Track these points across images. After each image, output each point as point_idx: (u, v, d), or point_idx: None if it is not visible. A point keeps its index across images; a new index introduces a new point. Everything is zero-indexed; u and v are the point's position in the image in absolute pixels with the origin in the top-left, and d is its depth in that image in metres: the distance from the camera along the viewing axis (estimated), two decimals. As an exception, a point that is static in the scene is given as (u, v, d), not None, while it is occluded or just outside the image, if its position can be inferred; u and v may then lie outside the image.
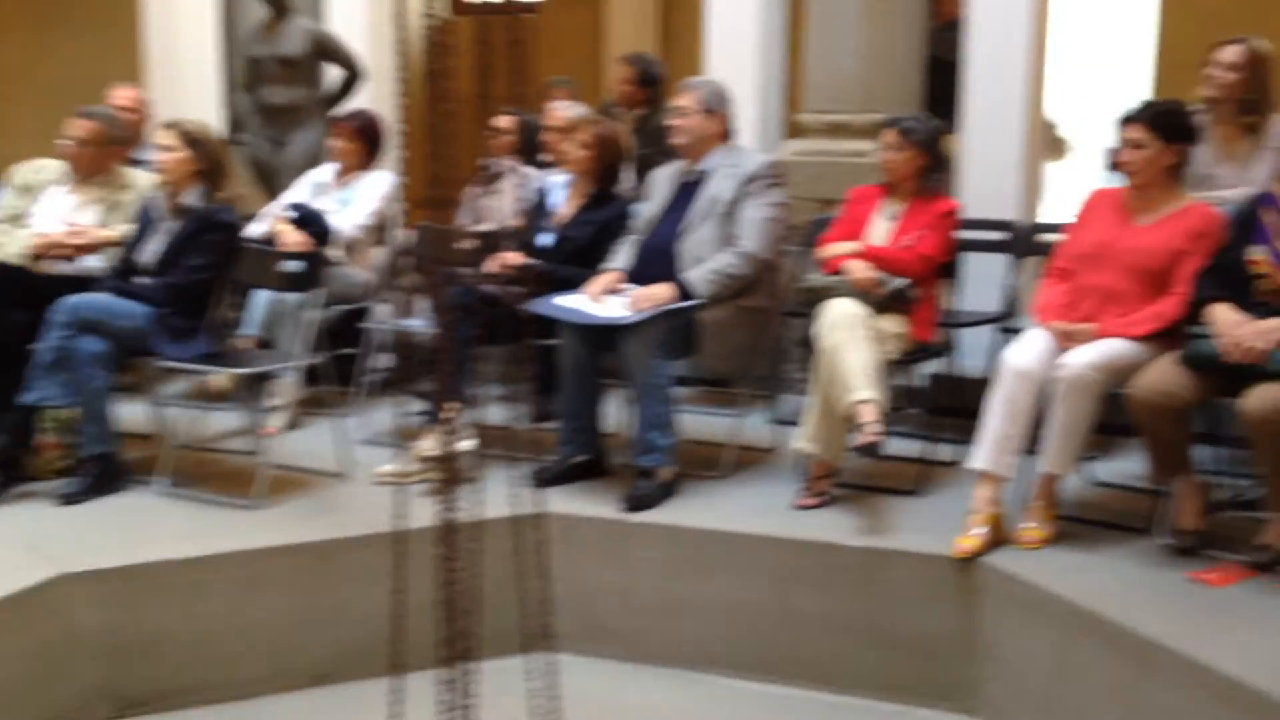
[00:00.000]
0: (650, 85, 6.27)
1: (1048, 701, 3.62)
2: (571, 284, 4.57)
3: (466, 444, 2.89)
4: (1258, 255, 3.69)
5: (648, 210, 4.74)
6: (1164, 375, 3.69)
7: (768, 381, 5.06)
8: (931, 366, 4.90)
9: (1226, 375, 3.63)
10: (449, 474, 2.34)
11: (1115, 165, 4.15)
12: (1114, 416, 4.17)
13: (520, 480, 2.56)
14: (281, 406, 5.15)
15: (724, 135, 4.66)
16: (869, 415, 4.00)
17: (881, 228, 4.54)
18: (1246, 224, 3.81)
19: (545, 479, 4.35)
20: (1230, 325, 3.61)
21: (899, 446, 4.52)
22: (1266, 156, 4.49)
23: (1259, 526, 3.74)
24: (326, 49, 6.85)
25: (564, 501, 4.31)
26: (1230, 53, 4.56)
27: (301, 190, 5.72)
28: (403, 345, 4.94)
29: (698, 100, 4.60)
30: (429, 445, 4.38)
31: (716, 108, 4.62)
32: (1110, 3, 8.78)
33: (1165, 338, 3.85)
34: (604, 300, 4.44)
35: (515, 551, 2.54)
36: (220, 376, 5.10)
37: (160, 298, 4.45)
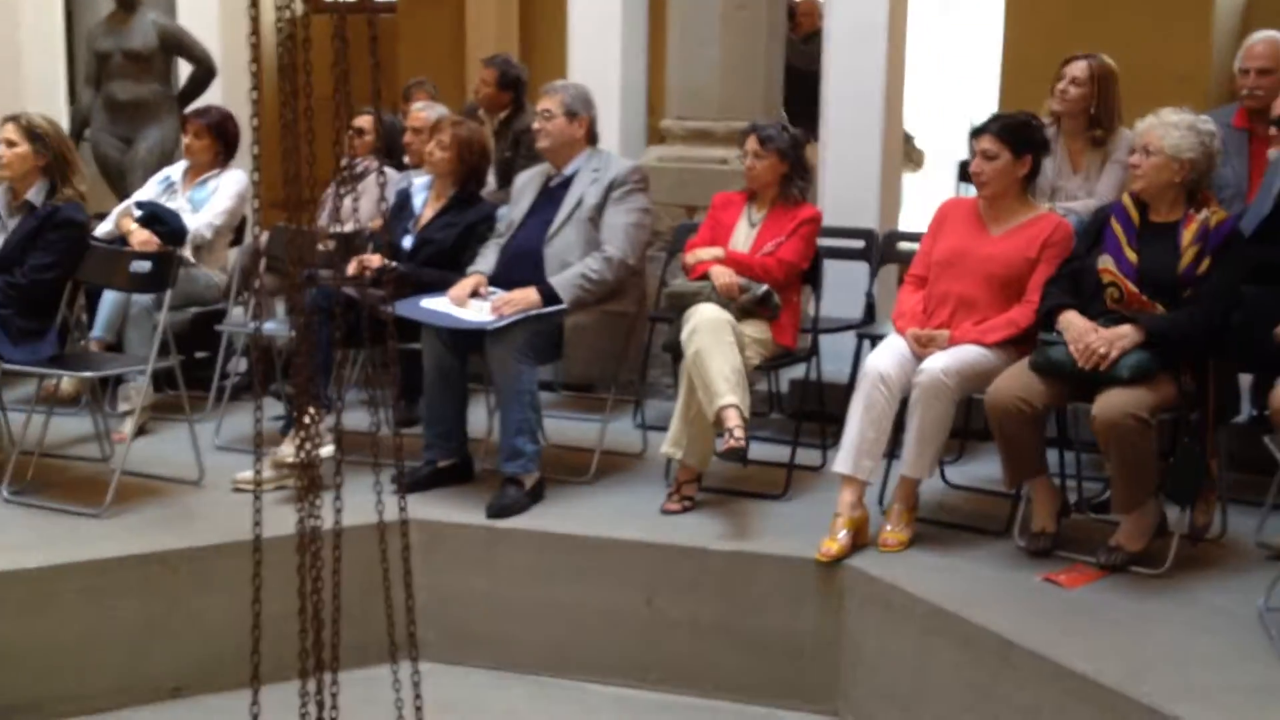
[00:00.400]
0: (512, 87, 6.23)
1: (910, 701, 3.68)
2: (434, 287, 4.51)
3: (326, 450, 2.82)
4: (1106, 264, 3.81)
5: (512, 213, 4.70)
6: (1018, 381, 3.79)
7: (634, 386, 5.06)
8: (794, 372, 4.96)
9: (1077, 381, 3.74)
10: (308, 480, 2.27)
11: (968, 175, 4.26)
12: (970, 421, 4.28)
13: (383, 486, 2.49)
14: (132, 412, 4.97)
15: (588, 139, 4.65)
16: (734, 420, 4.02)
17: (744, 234, 4.57)
18: (1095, 234, 3.94)
19: (409, 485, 4.25)
20: (1080, 332, 3.72)
21: (763, 451, 4.56)
22: (1112, 169, 4.65)
23: (1109, 528, 3.86)
24: (177, 43, 6.65)
25: (428, 508, 4.25)
26: (1077, 68, 4.71)
27: (151, 189, 5.54)
28: (259, 348, 4.81)
29: (561, 104, 4.58)
30: (287, 451, 4.27)
31: (580, 111, 4.61)
32: (959, 19, 9.04)
33: (1019, 344, 3.95)
34: (468, 304, 4.39)
35: (378, 559, 2.47)
36: (67, 380, 4.91)
37: (2, 298, 4.25)
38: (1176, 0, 7.26)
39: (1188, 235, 3.75)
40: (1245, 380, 4.35)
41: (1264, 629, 3.35)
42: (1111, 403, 3.60)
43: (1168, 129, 3.77)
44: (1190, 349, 3.69)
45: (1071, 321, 3.75)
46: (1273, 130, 4.24)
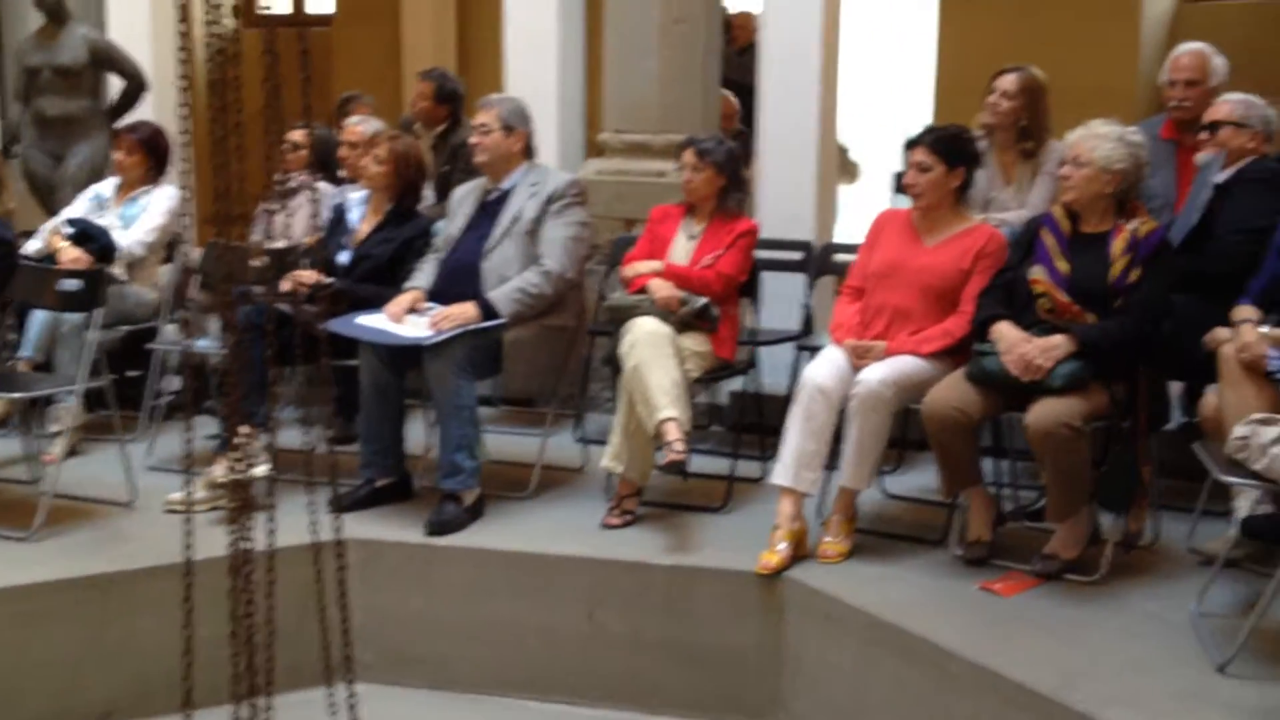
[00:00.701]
0: (449, 101, 6.21)
1: (850, 712, 3.69)
2: (371, 303, 4.47)
3: (260, 469, 2.79)
4: (1038, 275, 3.86)
5: (449, 228, 4.67)
6: (953, 391, 3.82)
7: (573, 401, 5.05)
8: (734, 384, 4.97)
9: (1011, 390, 3.78)
10: (242, 501, 2.25)
11: (902, 187, 4.30)
12: (908, 431, 4.32)
13: (318, 505, 2.46)
14: (62, 432, 4.88)
15: (526, 153, 4.64)
16: (674, 433, 4.02)
17: (683, 247, 4.58)
18: (1027, 245, 3.98)
19: (345, 504, 4.22)
20: (1012, 343, 3.76)
21: (704, 464, 4.56)
22: (1043, 180, 4.72)
23: (1044, 536, 3.90)
24: (107, 58, 6.56)
25: (366, 526, 4.21)
26: (1007, 81, 4.77)
27: (82, 205, 5.45)
28: (191, 367, 4.74)
29: (498, 118, 4.57)
30: (221, 471, 4.22)
31: (517, 125, 4.60)
32: (893, 31, 9.13)
33: (954, 354, 3.99)
34: (405, 320, 4.36)
35: (314, 580, 2.45)
36: (-6, 401, 4.82)
37: (-75, 318, 4.17)
38: (1104, 15, 7.38)
39: (1118, 245, 3.81)
40: (1175, 388, 4.43)
41: (1196, 634, 3.39)
42: (1045, 412, 3.64)
43: (1098, 141, 3.83)
44: (1121, 358, 3.75)
45: (1004, 332, 3.79)
46: (1203, 135, 4.33)
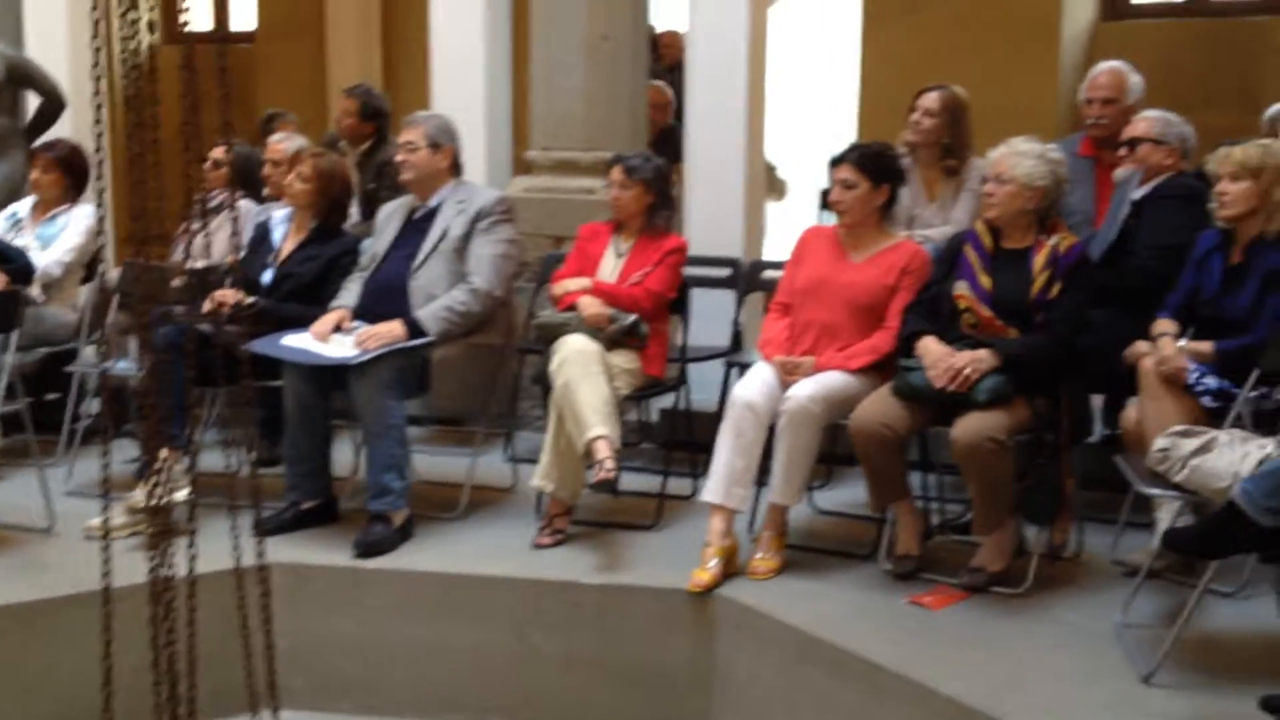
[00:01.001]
0: (375, 118, 6.16)
1: (782, 728, 3.69)
2: (296, 322, 4.42)
3: (181, 494, 2.73)
4: (962, 290, 3.91)
5: (375, 246, 4.63)
6: (880, 406, 3.85)
7: (503, 419, 5.02)
8: (664, 401, 4.97)
9: (937, 405, 3.82)
10: (163, 526, 2.20)
11: (828, 204, 4.34)
12: (837, 446, 4.34)
13: (242, 529, 2.42)
14: (-24, 458, 4.76)
15: (453, 170, 4.62)
16: (604, 451, 4.01)
17: (611, 264, 4.58)
18: (951, 261, 4.03)
19: (270, 527, 4.16)
20: (937, 357, 3.80)
21: (635, 482, 4.55)
22: (966, 197, 4.78)
23: (971, 549, 3.94)
24: (24, 75, 6.41)
25: (292, 550, 4.15)
26: (930, 99, 4.84)
27: (-3, 225, 5.34)
28: (110, 389, 4.65)
29: (425, 135, 4.54)
30: (141, 496, 4.13)
31: (444, 142, 4.57)
32: (818, 50, 9.22)
33: (881, 370, 4.02)
34: (331, 339, 4.31)
35: (238, 606, 2.40)
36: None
37: None
38: (1023, 35, 7.50)
39: (1039, 261, 3.87)
40: (1097, 401, 4.49)
41: (1121, 645, 3.44)
42: (970, 426, 3.68)
43: (1020, 158, 3.89)
44: (1044, 372, 3.80)
45: (929, 347, 3.83)
46: (1122, 151, 4.41)
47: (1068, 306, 3.84)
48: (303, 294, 4.62)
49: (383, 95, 6.42)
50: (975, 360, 3.74)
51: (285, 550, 4.08)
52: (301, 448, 4.39)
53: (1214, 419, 3.62)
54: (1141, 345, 3.89)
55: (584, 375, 4.12)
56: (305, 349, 4.27)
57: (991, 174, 3.94)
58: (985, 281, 3.90)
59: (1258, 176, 3.75)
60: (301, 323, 4.40)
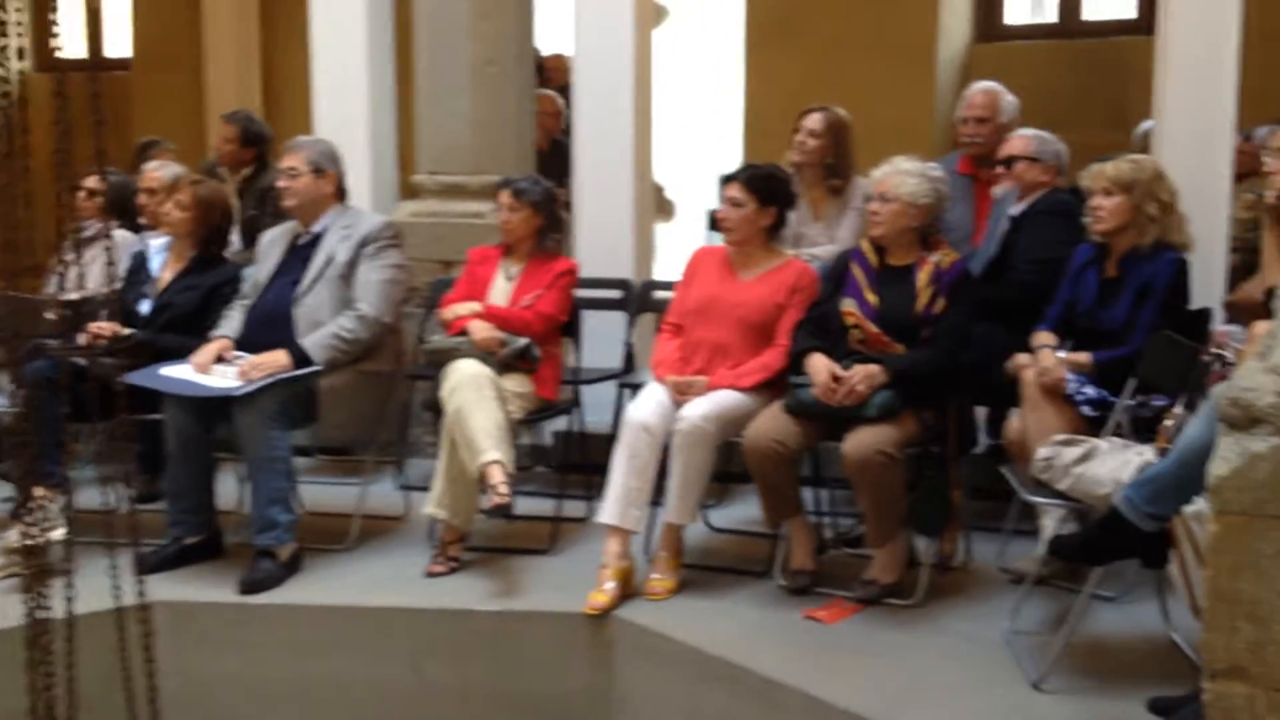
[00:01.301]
0: (255, 143, 6.05)
1: (682, 749, 3.68)
2: (175, 354, 4.32)
3: (57, 532, 2.63)
4: (849, 307, 3.96)
5: (257, 274, 4.54)
6: (772, 423, 3.88)
7: (394, 447, 4.94)
8: (558, 424, 4.94)
9: (828, 421, 3.86)
10: (39, 566, 2.12)
11: (717, 224, 4.37)
12: (731, 464, 4.35)
13: (122, 568, 2.34)
14: None
15: (337, 196, 4.55)
16: (498, 476, 3.97)
17: (502, 288, 4.55)
18: (838, 278, 4.08)
19: (151, 565, 4.04)
20: (821, 372, 3.83)
21: (529, 506, 4.52)
22: (851, 216, 4.85)
23: (864, 563, 3.98)
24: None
25: (175, 587, 4.04)
26: (813, 120, 4.90)
27: None
28: (-19, 427, 4.47)
29: (307, 160, 4.47)
30: (15, 536, 3.98)
31: (328, 167, 4.50)
32: (703, 72, 9.31)
33: (773, 387, 4.05)
34: (212, 370, 4.21)
35: (119, 647, 2.32)
36: None
37: None
38: (901, 57, 7.67)
39: (923, 277, 3.94)
40: (982, 413, 4.58)
41: (1011, 652, 3.50)
42: (860, 441, 3.72)
43: (903, 177, 3.96)
44: (930, 386, 3.86)
45: (818, 364, 3.87)
46: (1000, 169, 4.52)
47: (952, 321, 3.91)
48: (182, 324, 4.51)
49: (262, 121, 6.31)
50: (865, 376, 3.78)
51: (168, 588, 3.97)
52: (183, 482, 4.27)
53: (1093, 428, 3.72)
54: (1022, 357, 3.98)
55: (476, 400, 4.08)
56: (186, 380, 4.16)
57: (876, 193, 4.00)
58: (871, 298, 3.96)
59: (1130, 191, 3.87)
60: (181, 354, 4.30)
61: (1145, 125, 5.05)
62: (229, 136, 6.05)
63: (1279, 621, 2.05)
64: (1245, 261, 4.54)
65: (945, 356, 3.87)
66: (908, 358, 3.85)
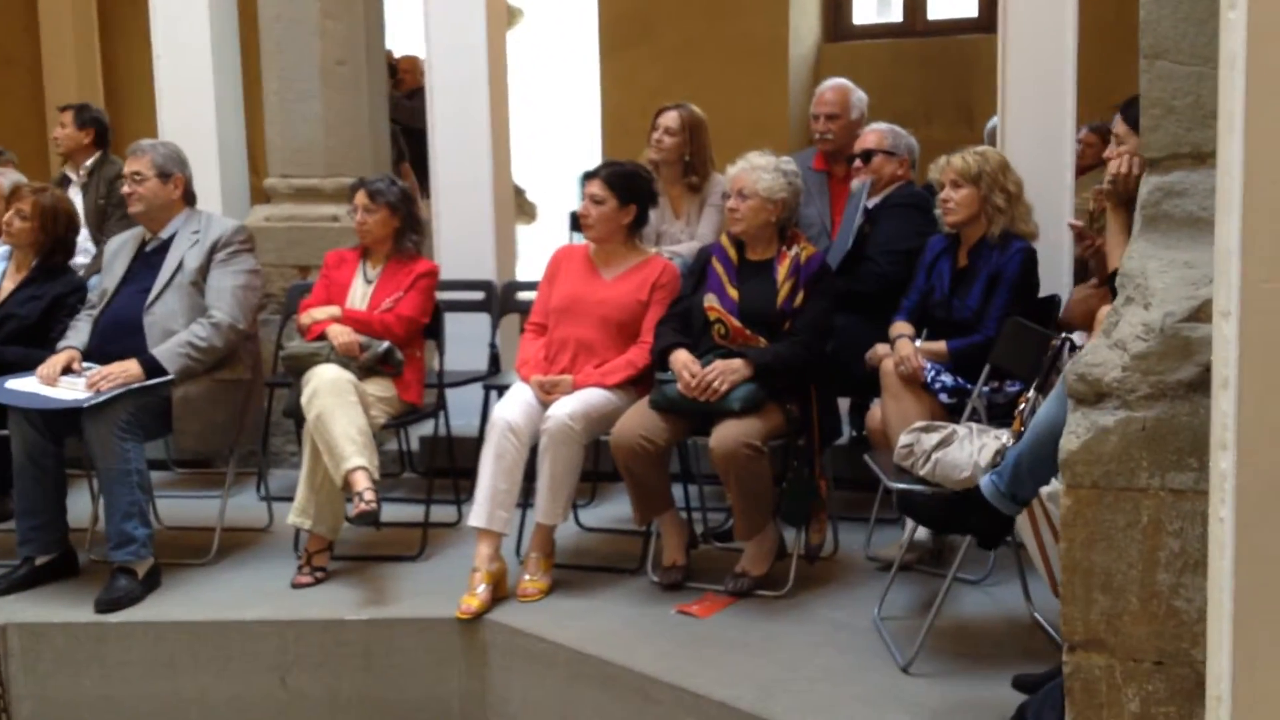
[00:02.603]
0: (93, 126, 5.88)
1: (559, 749, 3.67)
2: (20, 366, 4.17)
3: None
4: (711, 303, 3.99)
5: (104, 282, 4.38)
6: (639, 420, 3.89)
7: (254, 457, 4.83)
8: (424, 428, 4.88)
9: (694, 416, 3.89)
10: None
11: (579, 225, 4.36)
12: (600, 463, 4.36)
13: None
14: None
15: (185, 200, 4.41)
16: (363, 483, 3.91)
17: (361, 291, 4.47)
18: (699, 274, 4.11)
19: (3, 587, 3.91)
20: (691, 368, 3.86)
21: (397, 512, 4.46)
22: (710, 212, 4.89)
23: (734, 556, 4.02)
24: None
25: (27, 609, 3.89)
26: (669, 118, 4.93)
27: None
28: None
29: (152, 164, 4.33)
30: None
31: (174, 170, 4.37)
32: (559, 73, 9.31)
33: (638, 384, 4.06)
34: (60, 382, 4.05)
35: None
36: None
37: None
38: (754, 56, 7.78)
39: (782, 271, 3.99)
40: (845, 404, 4.66)
41: (880, 637, 3.57)
42: (726, 434, 3.76)
43: (759, 173, 4.00)
44: (793, 378, 3.91)
45: (681, 359, 3.89)
46: (856, 164, 4.61)
47: (812, 314, 3.97)
48: (27, 336, 4.38)
49: (100, 109, 6.13)
50: (728, 370, 3.82)
51: (21, 609, 3.84)
52: (33, 499, 4.10)
53: (952, 414, 3.81)
54: (881, 347, 4.07)
55: (337, 405, 4.00)
56: (32, 393, 4.01)
57: (733, 189, 4.04)
58: (733, 293, 4.00)
59: (977, 183, 3.98)
60: (26, 366, 4.15)
61: (993, 122, 5.20)
62: (65, 122, 5.88)
63: (1133, 592, 2.12)
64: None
65: (806, 349, 3.92)
66: (769, 351, 3.90)
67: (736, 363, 3.84)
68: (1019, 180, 4.06)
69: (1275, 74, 1.57)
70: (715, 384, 3.80)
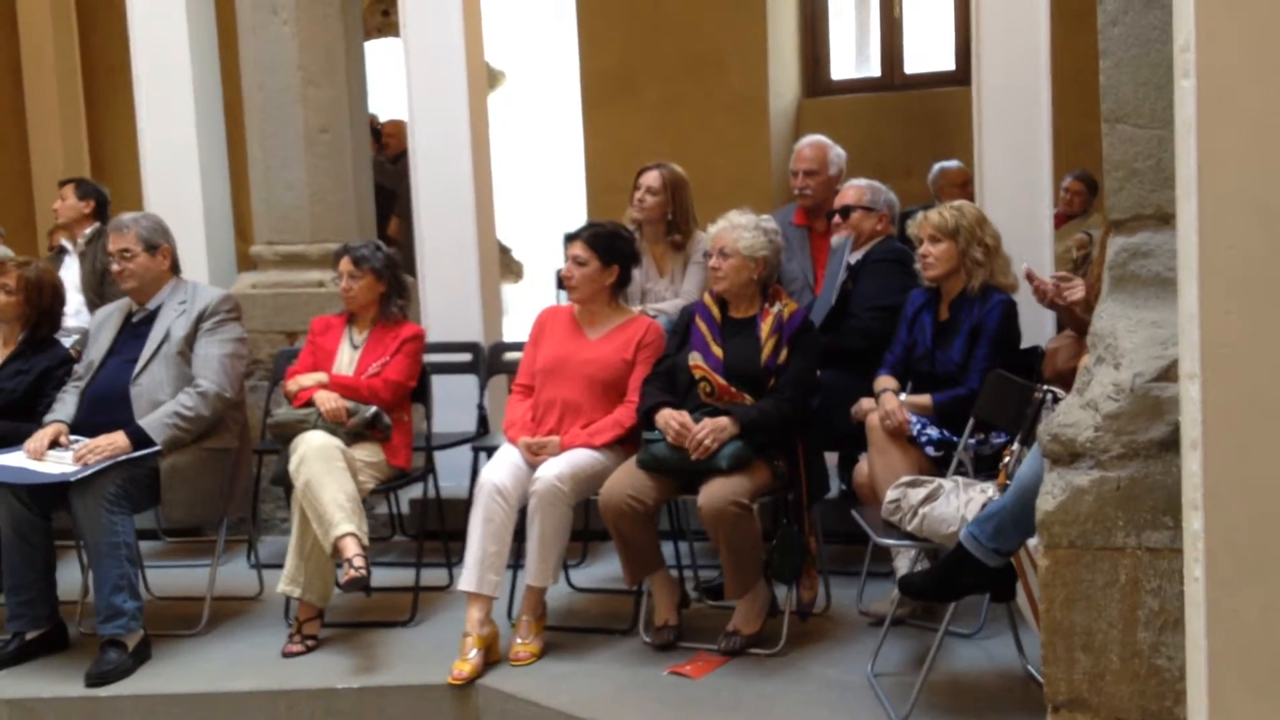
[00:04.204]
0: (93, 196, 5.95)
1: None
2: (7, 440, 4.17)
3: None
4: (696, 361, 4.01)
5: (90, 354, 4.39)
6: (628, 479, 3.90)
7: (244, 525, 4.82)
8: (413, 491, 4.88)
9: (682, 474, 3.90)
10: None
11: (563, 282, 4.40)
12: (589, 523, 4.36)
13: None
14: None
15: (171, 270, 4.44)
16: (353, 549, 3.91)
17: (348, 356, 4.49)
18: (683, 333, 4.14)
19: (-8, 664, 3.89)
20: (679, 418, 3.87)
21: (388, 576, 4.45)
22: (693, 270, 4.92)
23: (726, 614, 4.01)
24: None
25: (18, 685, 3.89)
26: (651, 178, 4.96)
27: None
28: None
29: (138, 239, 4.35)
30: None
31: (160, 242, 4.39)
32: (544, 133, 9.39)
33: (626, 444, 4.08)
34: (47, 456, 4.06)
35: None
36: None
37: None
38: (734, 112, 7.87)
39: (765, 328, 4.02)
40: (832, 459, 4.67)
41: (874, 694, 3.56)
42: (715, 492, 3.77)
43: (740, 231, 4.04)
44: (780, 434, 3.93)
45: (667, 418, 3.90)
46: (836, 219, 4.65)
47: (797, 370, 3.99)
48: (14, 410, 4.38)
49: (98, 183, 6.20)
50: (711, 429, 3.83)
51: (11, 685, 3.85)
52: (21, 574, 4.09)
53: (938, 467, 3.83)
54: (866, 402, 4.09)
55: (326, 472, 4.01)
56: (19, 467, 4.01)
57: (714, 248, 4.07)
58: (717, 351, 4.02)
59: (955, 237, 4.02)
60: (14, 440, 4.15)
61: (936, 169, 5.24)
62: (65, 194, 5.96)
63: (1114, 651, 2.13)
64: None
65: (791, 405, 3.94)
66: (755, 408, 3.92)
67: (724, 420, 3.85)
68: (996, 233, 4.09)
69: (1227, 141, 1.60)
70: (706, 441, 3.82)
